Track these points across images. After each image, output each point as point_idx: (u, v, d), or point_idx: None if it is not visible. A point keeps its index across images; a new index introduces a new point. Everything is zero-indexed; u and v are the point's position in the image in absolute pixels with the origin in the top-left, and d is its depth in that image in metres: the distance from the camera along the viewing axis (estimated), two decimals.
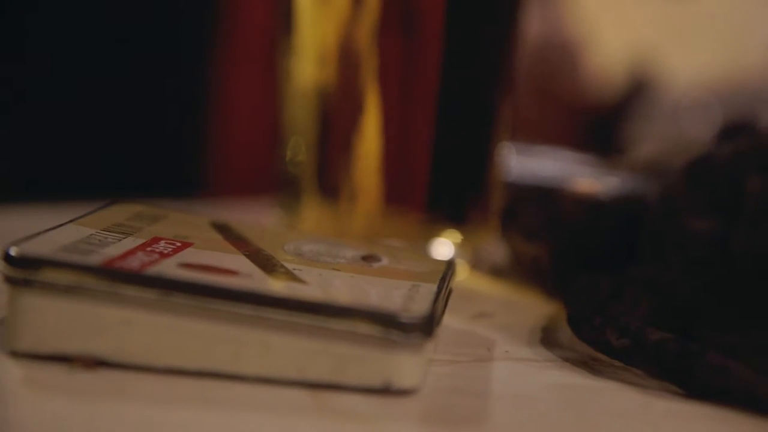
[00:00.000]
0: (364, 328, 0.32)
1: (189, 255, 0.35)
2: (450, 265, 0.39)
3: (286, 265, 0.36)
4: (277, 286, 0.34)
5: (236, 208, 0.61)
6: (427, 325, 0.32)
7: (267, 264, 0.36)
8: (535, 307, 0.44)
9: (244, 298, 0.32)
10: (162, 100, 1.10)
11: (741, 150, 0.45)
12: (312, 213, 0.49)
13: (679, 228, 0.43)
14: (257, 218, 0.53)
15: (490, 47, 0.49)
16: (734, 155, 0.44)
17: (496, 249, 0.51)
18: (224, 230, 0.39)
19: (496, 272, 0.50)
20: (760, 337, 0.38)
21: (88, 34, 1.08)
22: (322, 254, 0.38)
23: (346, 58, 0.48)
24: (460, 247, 0.49)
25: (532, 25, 1.11)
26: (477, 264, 0.50)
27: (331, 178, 0.48)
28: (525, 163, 0.52)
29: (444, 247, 0.48)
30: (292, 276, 0.35)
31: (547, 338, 0.40)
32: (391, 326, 0.32)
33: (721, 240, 0.42)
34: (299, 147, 0.49)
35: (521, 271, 0.46)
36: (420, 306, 0.33)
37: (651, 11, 1.16)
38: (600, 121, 1.15)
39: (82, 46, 1.07)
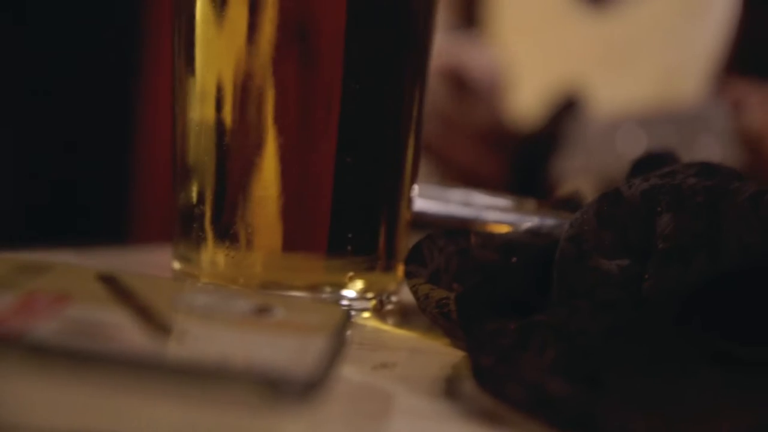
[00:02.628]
0: (244, 392, 0.29)
1: (66, 312, 0.33)
2: (346, 315, 0.37)
3: (171, 321, 0.34)
4: (155, 347, 0.32)
5: (156, 254, 0.59)
6: (315, 386, 0.30)
7: (149, 321, 0.34)
8: (440, 355, 0.42)
9: (114, 362, 0.30)
10: (83, 145, 1.08)
11: (652, 187, 0.43)
12: (209, 260, 0.47)
13: (589, 269, 0.42)
14: (164, 265, 0.50)
15: (397, 81, 0.48)
16: (645, 192, 0.43)
17: (402, 293, 0.49)
18: (111, 284, 0.37)
19: (402, 317, 0.48)
20: (668, 384, 0.37)
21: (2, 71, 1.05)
22: (212, 308, 0.36)
23: (242, 95, 0.46)
24: (364, 292, 0.47)
25: (447, 58, 1.10)
26: (382, 309, 0.48)
27: (228, 222, 0.46)
28: (434, 203, 0.50)
29: (347, 292, 0.46)
30: (173, 335, 0.33)
31: (451, 389, 0.38)
32: (273, 389, 0.29)
33: (631, 281, 0.41)
34: (196, 189, 0.47)
35: (427, 316, 0.44)
36: (309, 365, 0.31)
37: (577, 37, 1.16)
38: (524, 157, 1.14)
39: None
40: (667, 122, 0.98)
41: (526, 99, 1.17)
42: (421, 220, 0.51)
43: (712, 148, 0.91)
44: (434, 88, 1.08)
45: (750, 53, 0.98)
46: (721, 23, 0.97)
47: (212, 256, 0.47)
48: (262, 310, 0.37)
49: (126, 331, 0.32)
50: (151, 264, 0.54)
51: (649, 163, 0.51)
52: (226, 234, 0.46)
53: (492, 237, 0.46)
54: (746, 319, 0.40)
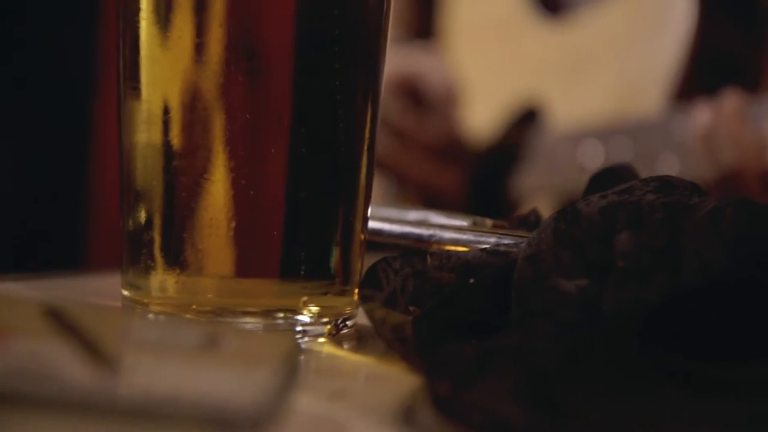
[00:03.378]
0: (193, 428, 0.28)
1: (9, 349, 0.32)
2: (298, 345, 0.36)
3: (117, 356, 0.33)
4: (101, 385, 0.30)
5: (106, 282, 0.57)
6: (265, 420, 0.29)
7: (95, 357, 0.32)
8: (398, 381, 0.41)
9: (55, 403, 0.29)
10: (36, 172, 1.07)
11: (610, 204, 0.43)
12: (159, 286, 0.46)
13: (547, 289, 0.41)
14: (115, 293, 0.49)
15: (348, 100, 0.47)
16: (603, 209, 0.43)
17: (358, 317, 0.48)
18: (56, 317, 0.36)
19: (358, 342, 0.47)
20: (629, 406, 0.36)
21: None
22: (161, 341, 0.35)
23: (189, 117, 0.45)
24: (319, 316, 0.46)
25: (401, 71, 1.10)
26: (337, 334, 0.47)
27: (178, 247, 0.45)
28: (389, 224, 0.50)
29: (301, 317, 0.45)
30: (120, 371, 0.32)
31: (409, 417, 0.37)
32: (223, 425, 0.28)
33: (591, 301, 0.40)
34: (144, 215, 0.46)
35: (384, 340, 0.43)
36: (259, 397, 0.30)
37: (534, 49, 1.15)
38: (482, 172, 1.14)
39: None
40: (626, 136, 0.98)
41: (483, 113, 1.16)
42: (377, 241, 0.50)
43: (670, 161, 0.90)
44: (388, 102, 1.08)
45: (710, 65, 0.98)
46: (681, 35, 0.97)
47: (162, 282, 0.46)
48: (212, 342, 0.36)
49: (71, 368, 0.31)
50: (101, 292, 0.53)
51: (606, 179, 0.51)
52: (176, 260, 0.45)
53: (449, 257, 0.46)
54: (708, 337, 0.39)
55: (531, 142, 1.11)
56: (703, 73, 0.98)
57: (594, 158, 1.01)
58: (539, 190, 1.08)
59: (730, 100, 0.83)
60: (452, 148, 1.10)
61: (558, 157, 1.06)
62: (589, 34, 1.09)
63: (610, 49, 1.06)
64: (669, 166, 0.90)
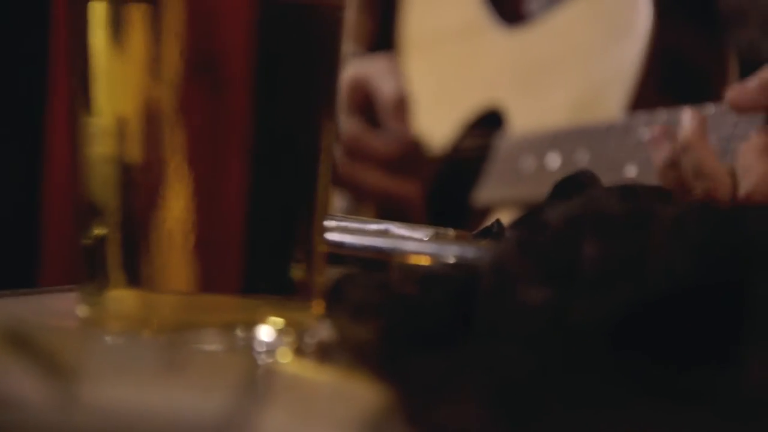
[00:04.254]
0: None
1: None
2: (259, 364, 0.36)
3: (74, 378, 0.32)
4: (56, 411, 0.30)
5: (64, 299, 0.56)
6: None
7: (51, 381, 0.32)
8: (363, 397, 0.41)
9: (12, 428, 0.28)
10: None
11: (574, 213, 0.43)
12: (117, 303, 0.45)
13: (512, 301, 0.41)
14: (72, 311, 0.48)
15: (307, 111, 0.47)
16: (567, 219, 0.42)
17: (322, 331, 0.47)
18: (10, 338, 0.35)
19: (322, 357, 0.47)
20: (600, 419, 0.36)
21: None
22: (117, 363, 0.35)
23: (147, 127, 0.44)
24: (281, 331, 0.45)
25: (356, 83, 1.09)
26: (301, 349, 0.47)
27: (136, 263, 0.45)
28: (351, 236, 0.49)
29: (263, 332, 0.45)
30: (75, 396, 0.31)
31: None
32: None
33: (556, 312, 0.40)
34: (101, 229, 0.46)
35: (348, 355, 0.43)
36: (217, 416, 0.29)
37: (492, 58, 1.15)
38: (440, 184, 1.14)
39: None
40: (587, 143, 0.98)
41: (442, 123, 1.16)
42: (339, 254, 0.49)
43: (631, 168, 0.91)
44: (343, 115, 1.08)
45: (671, 73, 0.98)
46: (642, 42, 0.97)
47: (120, 299, 0.45)
48: (172, 361, 0.35)
49: (27, 392, 0.31)
50: (57, 311, 0.52)
51: (569, 187, 0.51)
52: (134, 276, 0.45)
53: (412, 270, 0.45)
54: (677, 345, 0.39)
55: (491, 151, 1.11)
56: (664, 81, 0.98)
57: (555, 166, 1.01)
58: (500, 199, 1.08)
59: (692, 122, 0.83)
60: (408, 160, 1.10)
61: (519, 166, 1.06)
62: (548, 41, 1.09)
63: (569, 56, 1.07)
64: (630, 172, 0.91)
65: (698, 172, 0.79)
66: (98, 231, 0.46)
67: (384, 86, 1.10)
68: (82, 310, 0.47)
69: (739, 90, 0.83)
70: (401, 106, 1.10)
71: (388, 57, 1.20)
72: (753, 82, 0.81)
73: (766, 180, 0.77)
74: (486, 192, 1.10)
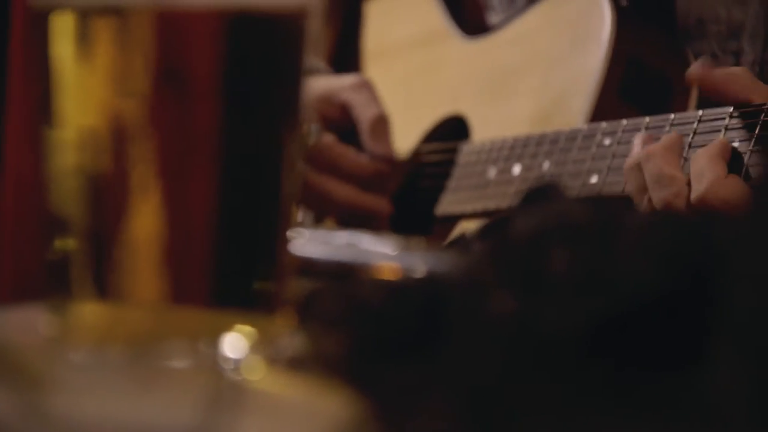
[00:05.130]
0: None
1: None
2: (229, 378, 0.35)
3: (41, 392, 0.32)
4: (23, 422, 0.30)
5: (28, 314, 0.56)
6: None
7: (17, 392, 0.32)
8: (335, 409, 0.41)
9: None
10: None
11: (542, 223, 0.43)
12: (83, 317, 0.45)
13: (482, 311, 0.41)
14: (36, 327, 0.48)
15: (274, 122, 0.46)
16: (535, 229, 0.43)
17: (292, 344, 0.47)
18: None
19: (292, 370, 0.46)
20: (572, 425, 0.36)
21: None
22: (85, 379, 0.35)
23: (112, 139, 0.44)
24: (250, 344, 0.45)
25: (323, 96, 1.09)
26: (270, 362, 0.46)
27: (101, 276, 0.44)
28: (319, 247, 0.49)
29: (232, 345, 0.45)
30: (44, 406, 0.31)
31: None
32: None
33: (526, 322, 0.40)
34: (66, 239, 0.45)
35: (319, 368, 0.43)
36: (185, 429, 0.29)
37: (455, 68, 1.16)
38: (406, 195, 1.14)
39: None
40: (549, 152, 0.98)
41: (403, 133, 1.16)
42: (308, 266, 0.49)
43: (596, 177, 0.91)
44: (310, 127, 1.07)
45: (633, 81, 0.99)
46: (604, 51, 0.98)
47: (86, 313, 0.45)
48: (140, 373, 0.35)
49: None
50: (21, 326, 0.51)
51: (535, 197, 0.51)
52: (100, 289, 0.44)
53: (382, 282, 0.45)
54: (646, 353, 0.40)
55: (454, 160, 1.12)
56: (626, 89, 0.99)
57: (520, 176, 1.01)
58: (464, 209, 1.09)
59: (668, 139, 0.84)
60: (383, 177, 1.10)
61: (482, 175, 1.06)
62: (509, 50, 1.09)
63: (531, 65, 1.07)
64: (592, 180, 0.91)
65: (657, 179, 0.80)
66: (63, 245, 0.46)
67: (364, 107, 1.10)
68: (47, 325, 0.46)
69: (704, 70, 0.84)
70: (382, 127, 1.10)
71: (355, 66, 1.20)
72: (721, 71, 0.83)
73: (716, 185, 0.78)
74: (449, 201, 1.10)
